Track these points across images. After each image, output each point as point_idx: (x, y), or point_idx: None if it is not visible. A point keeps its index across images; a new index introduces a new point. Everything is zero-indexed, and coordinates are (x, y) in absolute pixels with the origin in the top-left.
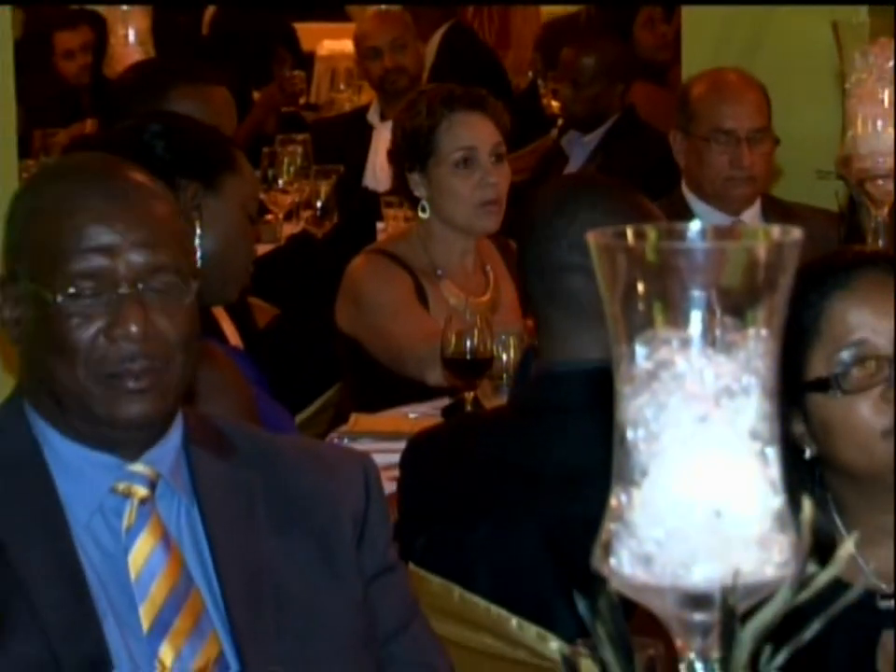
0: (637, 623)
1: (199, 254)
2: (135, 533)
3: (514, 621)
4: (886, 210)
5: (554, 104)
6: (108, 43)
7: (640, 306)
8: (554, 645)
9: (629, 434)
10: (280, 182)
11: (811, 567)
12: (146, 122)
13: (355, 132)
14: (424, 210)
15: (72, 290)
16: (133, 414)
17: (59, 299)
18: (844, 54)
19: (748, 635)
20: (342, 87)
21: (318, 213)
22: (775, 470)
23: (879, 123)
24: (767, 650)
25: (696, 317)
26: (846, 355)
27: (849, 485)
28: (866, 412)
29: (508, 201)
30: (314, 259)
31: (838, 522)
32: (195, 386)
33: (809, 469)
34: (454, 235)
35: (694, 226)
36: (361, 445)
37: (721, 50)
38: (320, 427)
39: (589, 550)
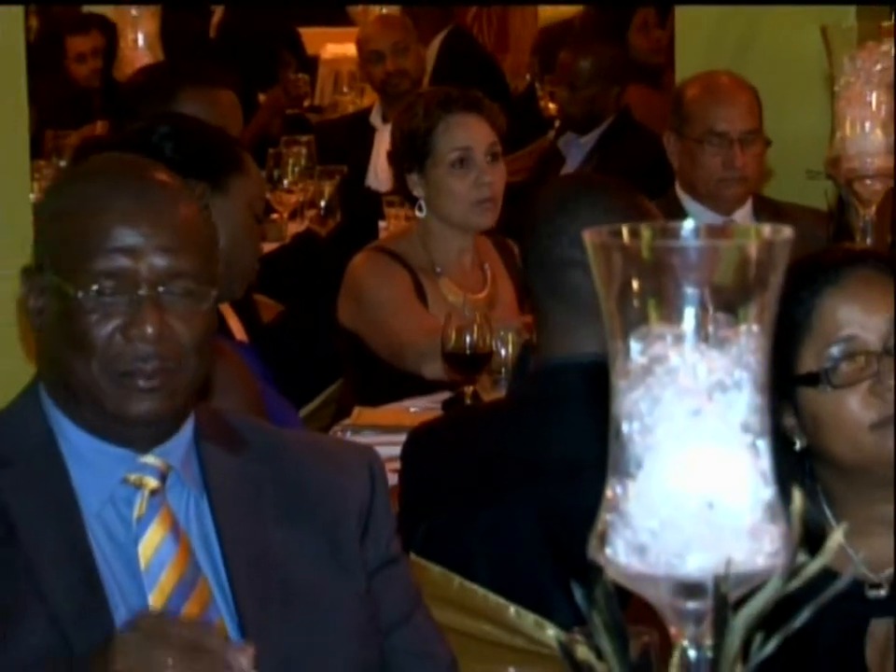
0: (632, 611)
1: None
2: (146, 523)
3: (512, 609)
4: (873, 209)
5: (551, 106)
6: (118, 47)
7: (635, 303)
8: (552, 632)
9: (624, 427)
10: (285, 182)
11: (801, 557)
12: (155, 124)
13: (357, 133)
14: (421, 209)
15: (94, 287)
16: (142, 412)
17: (80, 294)
18: (833, 58)
19: (739, 622)
20: (345, 89)
21: (322, 212)
22: (766, 462)
23: (867, 125)
24: (758, 637)
25: (690, 314)
26: (835, 350)
27: (838, 477)
28: (855, 405)
29: (504, 200)
30: (317, 257)
31: (828, 512)
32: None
33: (800, 461)
34: (451, 233)
35: (688, 225)
36: (364, 438)
37: (713, 54)
38: (323, 422)
39: (586, 540)
